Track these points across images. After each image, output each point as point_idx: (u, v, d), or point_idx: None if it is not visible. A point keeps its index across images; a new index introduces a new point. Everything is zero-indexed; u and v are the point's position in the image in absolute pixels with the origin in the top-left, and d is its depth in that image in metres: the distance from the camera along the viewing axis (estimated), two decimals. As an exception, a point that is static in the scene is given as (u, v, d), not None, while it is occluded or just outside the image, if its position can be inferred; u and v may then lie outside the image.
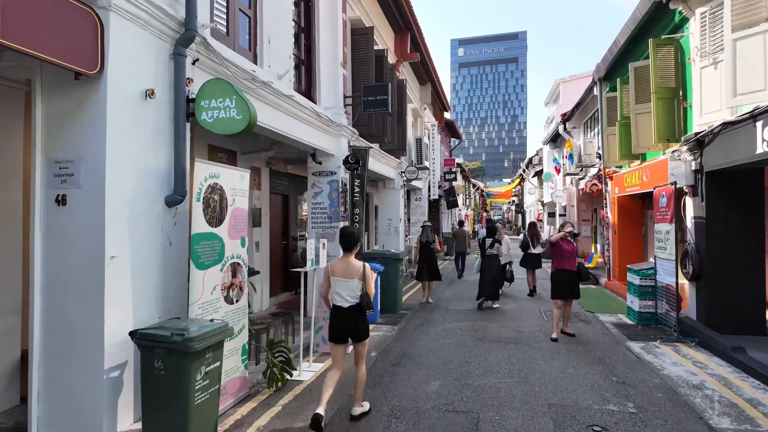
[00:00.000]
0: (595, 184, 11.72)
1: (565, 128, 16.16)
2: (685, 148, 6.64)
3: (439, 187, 21.71)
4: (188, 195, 3.96)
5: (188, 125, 4.07)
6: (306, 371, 5.03)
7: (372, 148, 8.56)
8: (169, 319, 3.63)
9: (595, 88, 11.68)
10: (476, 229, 33.57)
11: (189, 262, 3.69)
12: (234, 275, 4.15)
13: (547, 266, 16.01)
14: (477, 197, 50.61)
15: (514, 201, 52.98)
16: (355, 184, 8.16)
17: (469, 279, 12.74)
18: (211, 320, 3.40)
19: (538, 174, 28.26)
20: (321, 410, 3.58)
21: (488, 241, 8.75)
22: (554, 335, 6.38)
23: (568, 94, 20.14)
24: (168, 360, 3.01)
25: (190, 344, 2.98)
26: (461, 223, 15.17)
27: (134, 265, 3.50)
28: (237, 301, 4.19)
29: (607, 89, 10.91)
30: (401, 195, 12.90)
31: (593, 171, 13.21)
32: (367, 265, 3.89)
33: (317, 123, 7.07)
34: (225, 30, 5.28)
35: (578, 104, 13.94)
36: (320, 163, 7.51)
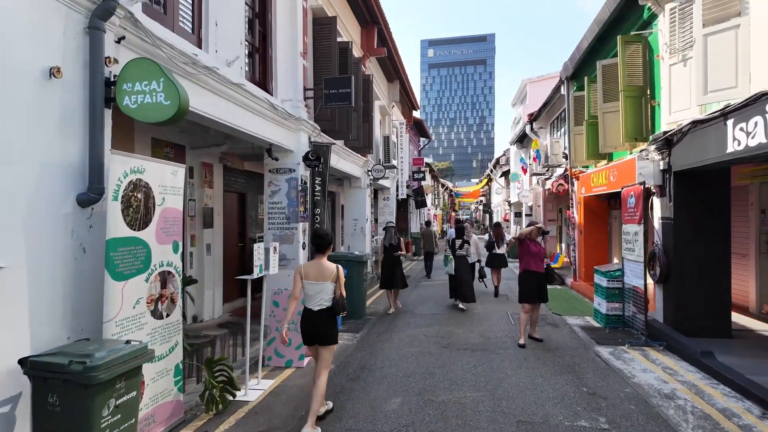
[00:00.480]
0: (561, 184, 11.66)
1: (531, 128, 16.15)
2: (653, 147, 6.51)
3: (408, 186, 21.42)
4: (107, 193, 3.39)
5: (108, 111, 3.49)
6: (253, 389, 4.52)
7: (335, 144, 8.10)
8: (77, 340, 3.06)
9: (562, 88, 11.60)
10: (445, 229, 33.61)
11: (104, 271, 3.13)
12: (164, 286, 3.60)
13: (513, 266, 16.05)
14: (446, 197, 50.85)
15: (481, 201, 53.55)
16: (316, 182, 7.67)
17: (436, 280, 12.46)
18: (128, 341, 2.86)
19: (505, 174, 28.46)
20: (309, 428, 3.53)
21: (458, 242, 8.62)
22: (522, 341, 6.10)
23: (535, 94, 20.25)
24: (65, 394, 2.47)
25: (92, 374, 2.45)
26: (428, 223, 15.32)
27: (33, 276, 2.91)
28: (168, 315, 3.64)
29: (575, 88, 10.83)
30: (368, 194, 12.47)
31: (559, 171, 13.19)
32: (340, 267, 3.86)
33: (273, 116, 6.54)
34: (162, 8, 4.70)
35: (545, 104, 13.90)
36: (276, 159, 6.98)
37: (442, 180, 45.73)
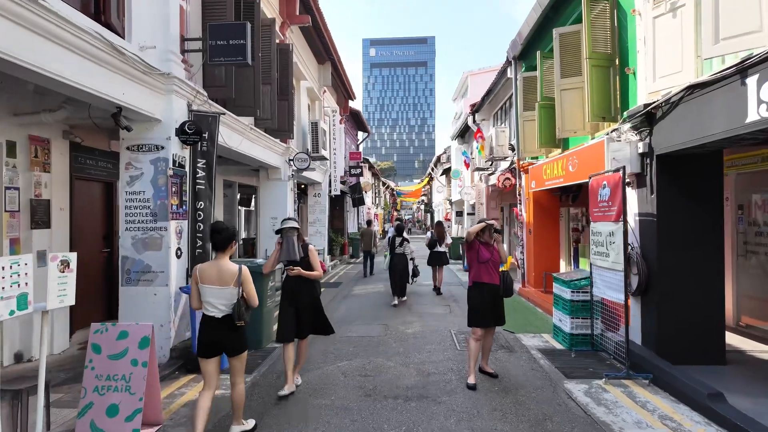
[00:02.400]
0: (508, 179, 10.42)
1: (474, 120, 14.97)
2: (627, 126, 5.21)
3: (344, 182, 19.62)
4: None
5: None
6: None
7: (224, 114, 6.11)
8: None
9: (509, 70, 10.36)
10: (386, 229, 32.23)
11: None
12: None
13: (455, 269, 14.82)
14: (387, 196, 49.58)
15: (423, 201, 52.96)
16: (199, 165, 5.68)
17: (370, 286, 10.78)
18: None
19: (447, 172, 27.50)
20: None
21: (397, 240, 9.05)
22: (471, 380, 4.52)
23: (477, 87, 19.24)
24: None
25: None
26: (369, 223, 14.69)
27: None
28: None
29: (523, 69, 9.61)
30: (289, 188, 10.53)
31: (504, 165, 12.01)
32: (244, 267, 3.38)
33: (122, 66, 4.49)
34: None
35: (489, 91, 12.69)
36: (129, 130, 4.91)
37: (383, 179, 44.40)
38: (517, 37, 9.25)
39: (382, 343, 6.09)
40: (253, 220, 12.02)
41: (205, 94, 5.94)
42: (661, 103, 4.59)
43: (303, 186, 15.65)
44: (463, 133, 19.20)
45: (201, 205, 5.65)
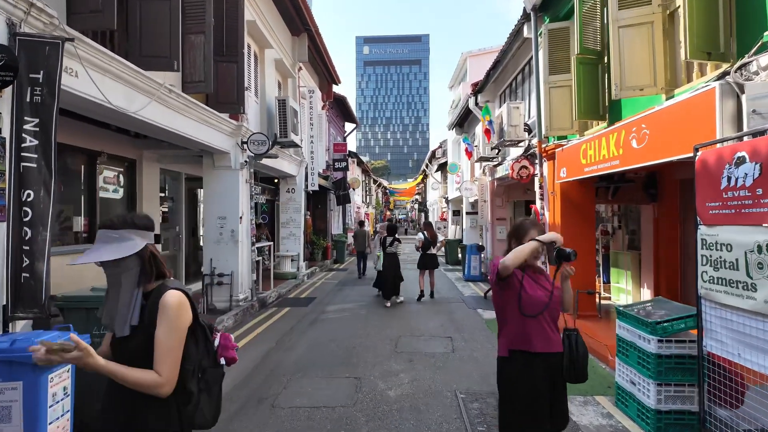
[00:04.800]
0: (524, 167, 8.13)
1: (476, 102, 12.67)
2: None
3: (326, 177, 17.27)
4: None
5: None
6: None
7: (71, 40, 3.66)
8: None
9: (525, 28, 8.06)
10: (377, 229, 29.94)
11: None
12: None
13: (454, 278, 12.43)
14: (379, 195, 47.23)
15: (417, 200, 50.74)
16: (27, 128, 3.31)
17: (349, 305, 8.42)
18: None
19: (442, 167, 25.21)
20: None
21: (389, 239, 9.04)
22: None
23: (477, 70, 16.94)
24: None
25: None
26: (361, 223, 14.55)
27: None
28: None
29: (547, 21, 7.32)
30: (242, 179, 8.17)
31: (516, 152, 9.73)
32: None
33: None
34: None
35: (496, 63, 10.39)
36: None
37: (374, 176, 42.10)
38: (541, -23, 6.96)
39: (347, 422, 3.75)
40: (198, 219, 9.66)
41: (54, 14, 3.57)
42: None
43: (276, 180, 13.30)
44: (462, 122, 16.91)
45: (29, 195, 3.28)
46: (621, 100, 5.49)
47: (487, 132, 9.74)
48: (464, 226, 16.59)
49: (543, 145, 7.55)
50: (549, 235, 2.29)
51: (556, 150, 7.01)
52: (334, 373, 4.87)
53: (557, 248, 2.25)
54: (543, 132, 7.24)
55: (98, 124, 6.31)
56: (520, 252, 2.24)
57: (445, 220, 24.75)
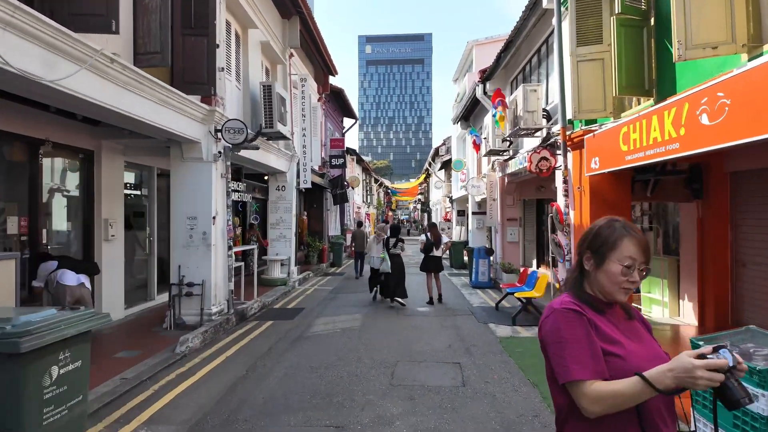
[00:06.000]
0: (544, 158, 7.00)
1: (484, 91, 11.53)
2: None
3: (322, 175, 16.19)
4: None
5: None
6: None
7: None
8: None
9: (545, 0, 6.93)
10: (376, 230, 28.90)
11: None
12: None
13: (460, 284, 10.88)
14: (381, 195, 46.09)
15: (420, 200, 49.60)
16: None
17: (343, 317, 7.29)
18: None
19: (446, 165, 24.08)
20: None
21: (392, 240, 8.99)
22: None
23: (484, 60, 15.81)
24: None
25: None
26: (360, 224, 14.55)
27: None
28: None
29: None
30: (218, 173, 7.07)
31: (530, 144, 8.60)
32: None
33: None
34: None
35: (509, 43, 9.25)
36: None
37: (375, 175, 41.00)
38: (567, -71, 5.83)
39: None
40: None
41: None
42: None
43: (266, 177, 12.20)
44: (468, 115, 15.78)
45: None
46: (676, 69, 4.36)
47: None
48: (470, 227, 15.46)
49: (567, 132, 6.42)
50: (716, 361, 1.06)
51: (585, 137, 5.87)
52: (312, 420, 3.74)
53: (728, 383, 1.06)
54: (569, 116, 6.10)
55: (39, 106, 5.25)
56: (616, 396, 1.14)
57: (449, 220, 23.61)
